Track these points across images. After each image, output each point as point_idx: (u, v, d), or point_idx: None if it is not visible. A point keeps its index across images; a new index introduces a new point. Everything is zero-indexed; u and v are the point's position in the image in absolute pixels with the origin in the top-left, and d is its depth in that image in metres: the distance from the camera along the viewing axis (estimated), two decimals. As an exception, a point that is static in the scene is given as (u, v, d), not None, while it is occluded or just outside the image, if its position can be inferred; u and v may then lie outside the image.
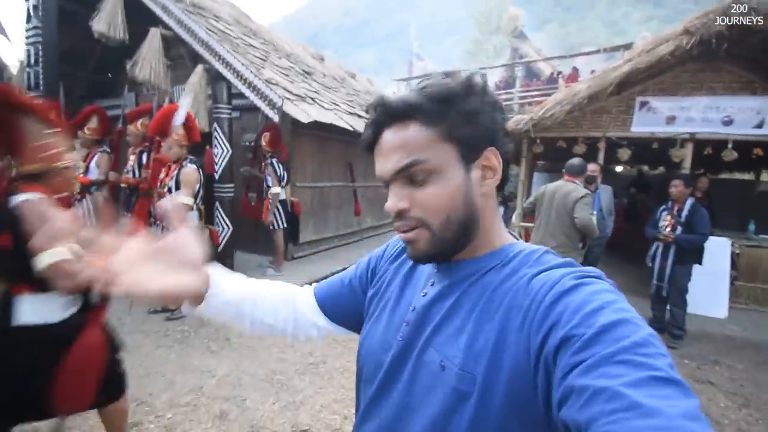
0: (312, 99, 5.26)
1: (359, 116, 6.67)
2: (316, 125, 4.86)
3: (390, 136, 0.54)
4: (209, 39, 4.19)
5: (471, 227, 0.56)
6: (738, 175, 8.90)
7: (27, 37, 5.01)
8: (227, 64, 4.15)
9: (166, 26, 4.41)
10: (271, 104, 4.01)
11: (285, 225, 4.62)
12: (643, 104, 4.80)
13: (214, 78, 4.35)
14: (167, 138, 3.46)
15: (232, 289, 0.67)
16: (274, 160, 4.42)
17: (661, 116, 4.75)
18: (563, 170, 3.79)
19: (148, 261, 0.54)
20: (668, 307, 3.83)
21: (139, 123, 4.18)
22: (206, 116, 4.29)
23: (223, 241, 4.44)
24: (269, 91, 4.01)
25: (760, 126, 4.31)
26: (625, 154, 4.88)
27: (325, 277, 0.82)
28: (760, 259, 4.59)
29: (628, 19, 61.01)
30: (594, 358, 0.37)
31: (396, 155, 0.53)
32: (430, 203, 0.53)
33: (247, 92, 4.11)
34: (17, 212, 1.33)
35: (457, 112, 0.53)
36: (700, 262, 3.72)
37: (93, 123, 4.18)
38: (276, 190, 4.37)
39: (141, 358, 3.00)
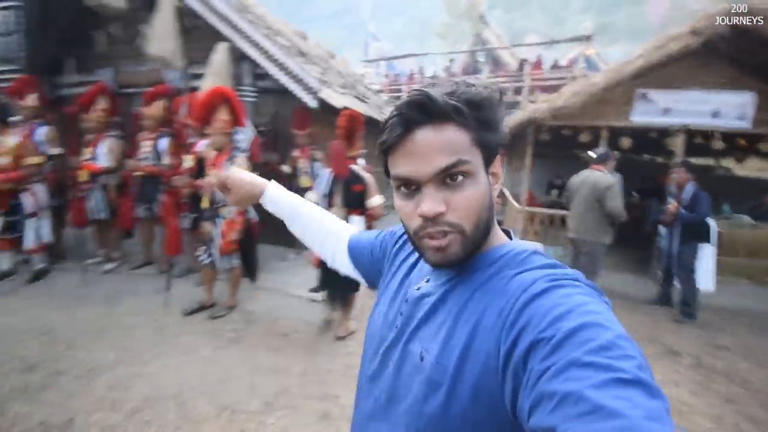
0: (326, 83, 5.03)
1: (361, 101, 6.51)
2: (331, 111, 4.68)
3: (427, 136, 0.53)
4: (232, 14, 3.83)
5: (491, 230, 0.59)
6: (695, 160, 10.00)
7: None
8: (254, 43, 3.84)
9: (176, -4, 3.95)
10: (308, 88, 3.80)
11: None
12: (642, 96, 5.22)
13: (238, 58, 4.00)
14: (211, 126, 3.16)
15: (283, 199, 0.95)
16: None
17: (658, 107, 5.20)
18: (589, 159, 4.06)
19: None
20: (678, 286, 4.18)
21: (159, 104, 3.75)
22: (230, 99, 3.94)
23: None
24: (305, 74, 3.79)
25: (741, 119, 4.89)
26: (626, 142, 5.29)
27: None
28: (738, 237, 5.27)
29: (568, 8, 64.34)
30: (560, 363, 0.38)
31: (438, 155, 0.53)
32: (467, 205, 0.54)
33: (278, 75, 3.85)
34: (360, 175, 3.02)
35: (484, 120, 0.55)
36: (708, 241, 4.10)
37: (102, 103, 3.68)
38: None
39: (205, 362, 2.81)
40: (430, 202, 0.53)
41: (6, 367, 2.57)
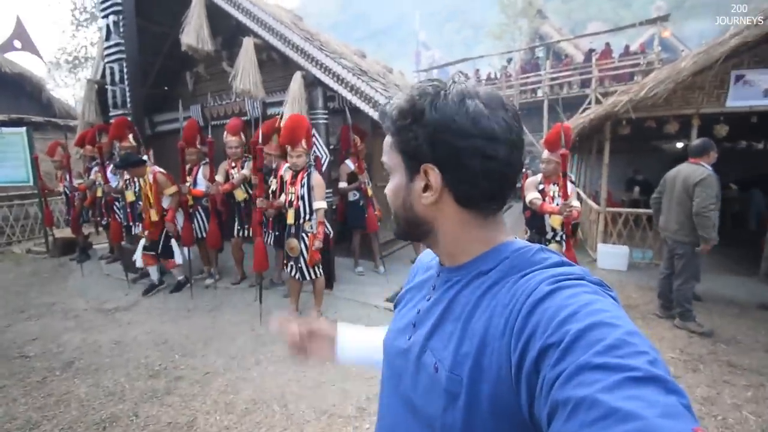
0: (389, 98, 5.19)
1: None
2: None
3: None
4: (306, 45, 4.14)
5: (418, 228, 0.63)
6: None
7: (107, 55, 4.99)
8: (326, 69, 4.10)
9: (255, 35, 4.37)
10: (376, 106, 3.96)
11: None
12: (739, 78, 4.69)
13: (310, 84, 4.31)
14: (293, 150, 3.43)
15: (355, 345, 0.89)
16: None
17: (759, 89, 4.64)
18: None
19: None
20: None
21: (240, 135, 4.20)
22: (306, 123, 4.24)
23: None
24: (373, 92, 3.96)
25: None
26: (722, 130, 4.77)
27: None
28: None
29: (632, -10, 59.50)
30: (571, 368, 0.37)
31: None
32: (387, 194, 0.65)
33: (349, 96, 4.06)
34: None
35: (400, 127, 0.58)
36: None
37: (197, 138, 4.18)
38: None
39: (299, 368, 3.01)
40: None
41: (135, 374, 2.96)
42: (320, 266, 3.66)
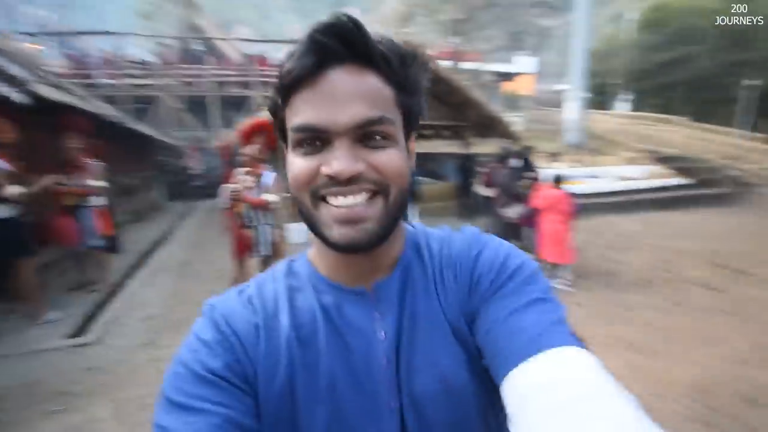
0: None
1: (71, 94, 5.26)
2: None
3: (345, 78, 0.41)
4: None
5: (406, 208, 0.47)
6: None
7: None
8: None
9: None
10: (11, 80, 2.97)
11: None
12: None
13: None
14: None
15: None
16: None
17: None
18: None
19: None
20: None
21: None
22: None
23: None
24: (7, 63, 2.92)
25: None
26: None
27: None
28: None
29: (271, 3, 67.70)
30: (504, 290, 0.47)
31: (360, 103, 0.41)
32: (392, 166, 0.43)
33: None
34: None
35: (410, 80, 0.45)
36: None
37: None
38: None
39: None
40: (345, 159, 0.41)
41: None
42: None
